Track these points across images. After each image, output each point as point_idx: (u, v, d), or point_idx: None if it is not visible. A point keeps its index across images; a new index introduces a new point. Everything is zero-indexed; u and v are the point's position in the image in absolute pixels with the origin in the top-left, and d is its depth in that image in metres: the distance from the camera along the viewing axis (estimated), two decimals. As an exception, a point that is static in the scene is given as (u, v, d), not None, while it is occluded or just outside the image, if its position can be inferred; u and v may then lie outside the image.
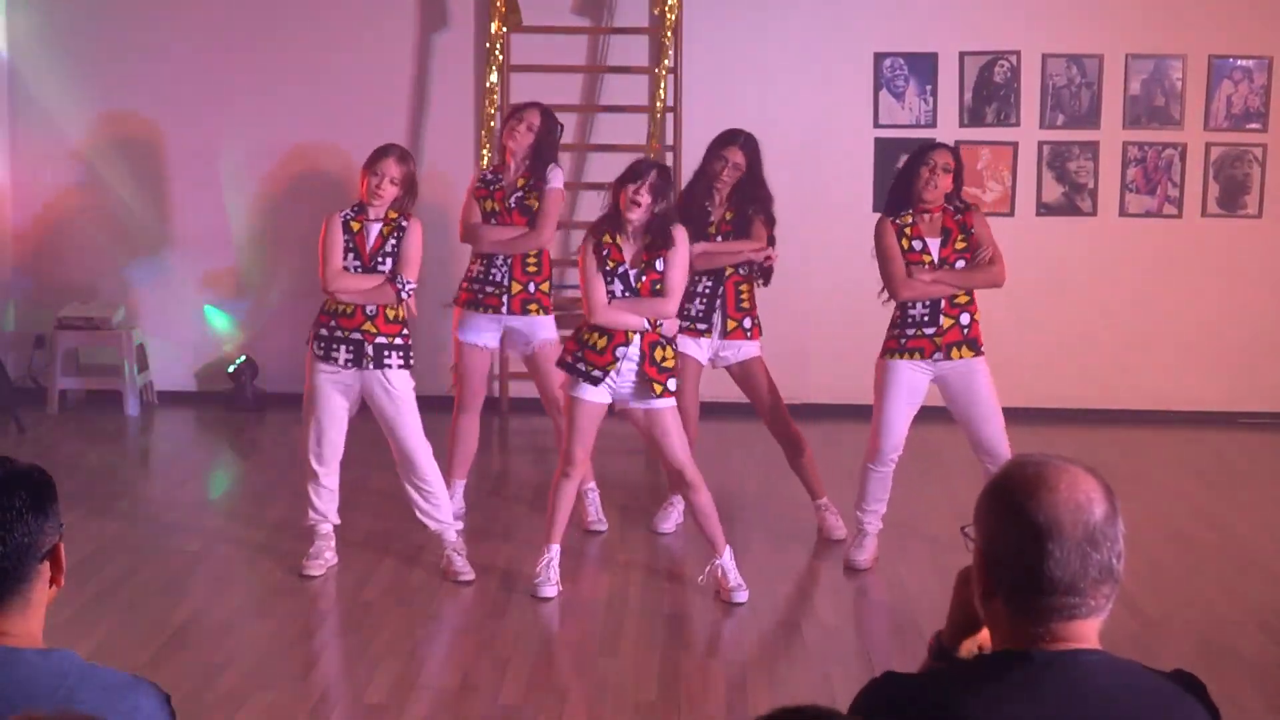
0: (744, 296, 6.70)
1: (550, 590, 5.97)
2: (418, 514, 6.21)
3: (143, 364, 9.31)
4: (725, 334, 6.68)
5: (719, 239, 6.64)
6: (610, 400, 5.96)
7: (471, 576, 6.16)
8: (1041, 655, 2.24)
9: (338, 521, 6.31)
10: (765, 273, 6.72)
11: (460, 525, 6.36)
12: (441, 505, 6.19)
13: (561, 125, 6.81)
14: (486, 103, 8.90)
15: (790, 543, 6.76)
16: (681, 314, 6.53)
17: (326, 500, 6.22)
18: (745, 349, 6.73)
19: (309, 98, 9.20)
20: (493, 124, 8.87)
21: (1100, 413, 9.23)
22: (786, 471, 6.95)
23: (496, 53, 8.85)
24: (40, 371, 9.29)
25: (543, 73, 8.99)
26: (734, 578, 5.97)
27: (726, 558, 5.99)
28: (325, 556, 6.24)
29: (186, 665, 5.24)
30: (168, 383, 9.47)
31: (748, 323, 6.70)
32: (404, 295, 6.08)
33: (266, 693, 5.00)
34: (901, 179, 6.38)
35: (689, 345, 6.68)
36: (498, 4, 8.82)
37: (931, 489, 7.46)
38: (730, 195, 6.68)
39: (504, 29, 8.88)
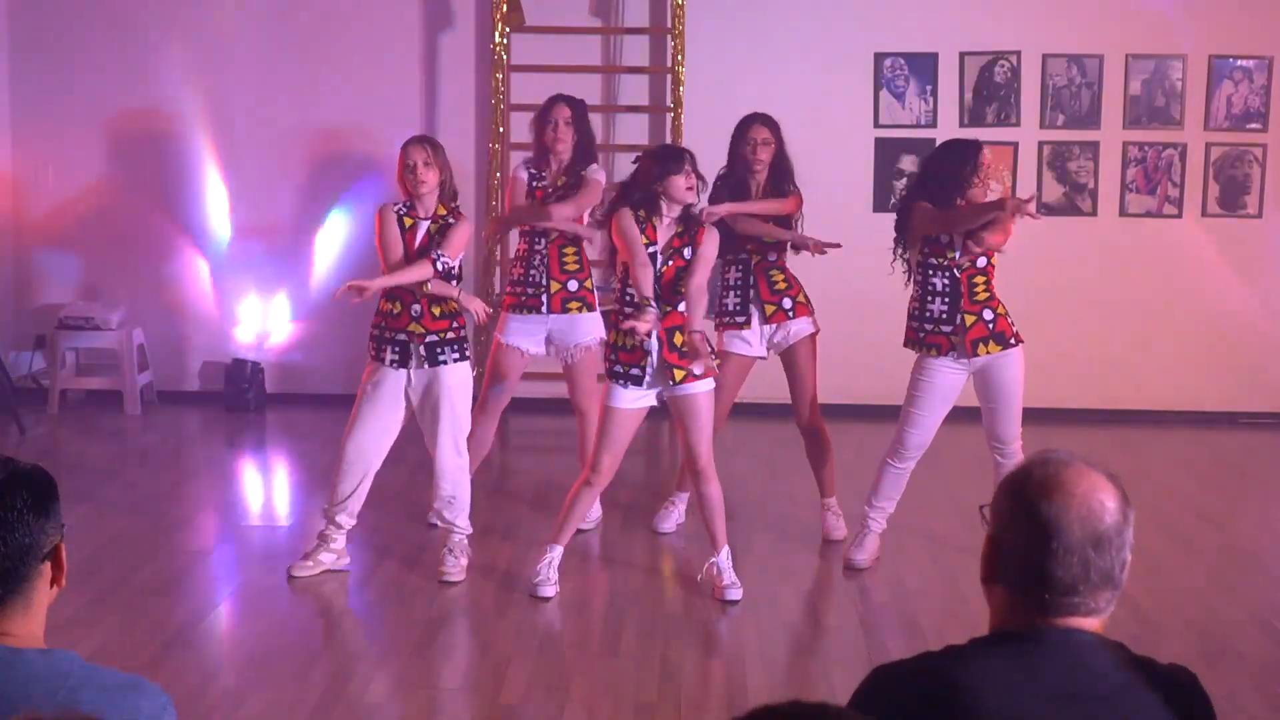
0: (776, 279, 6.65)
1: (550, 590, 5.97)
2: (435, 504, 6.19)
3: (143, 364, 9.31)
4: (765, 319, 6.62)
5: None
6: (651, 404, 5.94)
7: (459, 578, 6.11)
8: (1035, 632, 2.28)
9: (353, 523, 6.23)
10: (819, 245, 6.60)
11: (469, 530, 6.30)
12: (455, 505, 6.16)
13: (583, 101, 6.77)
14: (493, 102, 8.91)
15: (791, 542, 6.76)
16: (720, 309, 6.54)
17: (343, 501, 6.12)
18: (796, 328, 6.64)
19: (311, 97, 9.21)
20: (500, 128, 8.89)
21: (1100, 413, 9.24)
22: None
23: (500, 50, 8.85)
24: (40, 371, 9.29)
25: (544, 73, 8.99)
26: (728, 576, 5.98)
27: (723, 557, 6.00)
28: (323, 558, 6.20)
29: (186, 665, 5.24)
30: (168, 383, 9.47)
31: (786, 303, 6.63)
32: (438, 266, 5.93)
33: (266, 693, 5.00)
34: (953, 174, 6.23)
35: (734, 343, 6.64)
36: (500, 4, 8.83)
37: (931, 489, 7.45)
38: (767, 180, 6.63)
39: (506, 29, 8.89)
